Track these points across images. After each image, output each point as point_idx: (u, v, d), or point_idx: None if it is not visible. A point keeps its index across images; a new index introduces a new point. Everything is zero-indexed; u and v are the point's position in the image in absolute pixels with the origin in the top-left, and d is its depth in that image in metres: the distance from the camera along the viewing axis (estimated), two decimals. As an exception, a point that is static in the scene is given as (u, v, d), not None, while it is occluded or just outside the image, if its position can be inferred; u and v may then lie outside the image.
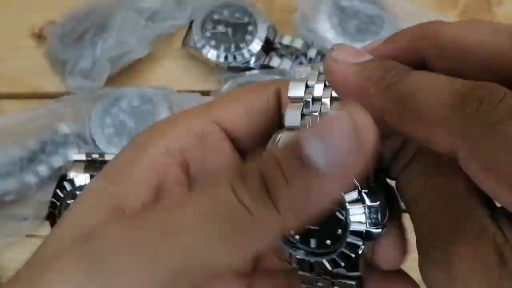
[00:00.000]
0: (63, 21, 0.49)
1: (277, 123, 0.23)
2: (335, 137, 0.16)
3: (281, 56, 0.49)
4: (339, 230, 0.21)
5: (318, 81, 0.21)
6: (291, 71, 0.48)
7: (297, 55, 0.49)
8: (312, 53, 0.49)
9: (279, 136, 0.21)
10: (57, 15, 0.50)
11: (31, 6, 0.53)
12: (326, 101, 0.21)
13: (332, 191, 0.17)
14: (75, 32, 0.48)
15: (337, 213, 0.21)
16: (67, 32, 0.48)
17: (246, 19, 0.49)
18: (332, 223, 0.21)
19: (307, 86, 0.21)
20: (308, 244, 0.21)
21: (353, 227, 0.20)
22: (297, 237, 0.21)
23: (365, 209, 0.20)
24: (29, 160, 0.45)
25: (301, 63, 0.49)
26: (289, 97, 0.21)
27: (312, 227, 0.21)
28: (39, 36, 0.51)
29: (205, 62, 0.49)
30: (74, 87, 0.48)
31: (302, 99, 0.21)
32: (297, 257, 0.21)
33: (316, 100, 0.21)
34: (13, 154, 0.44)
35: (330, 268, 0.21)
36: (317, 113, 0.21)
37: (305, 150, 0.16)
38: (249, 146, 0.23)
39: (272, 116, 0.23)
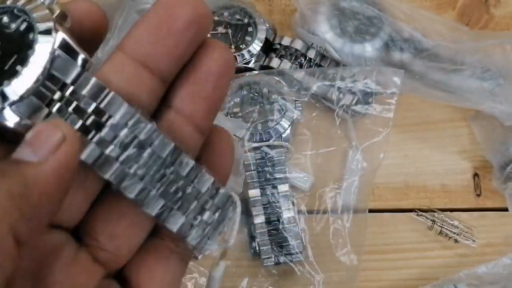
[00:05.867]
0: (64, 22, 0.49)
1: None
2: None
3: (281, 57, 0.49)
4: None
5: None
6: (290, 72, 0.48)
7: (296, 56, 0.49)
8: (311, 54, 0.49)
9: None
10: (58, 16, 0.51)
11: (32, 7, 0.53)
12: None
13: None
14: (76, 33, 0.48)
15: None
16: (68, 33, 0.49)
17: (246, 20, 0.50)
18: None
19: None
20: None
21: None
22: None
23: None
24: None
25: (300, 63, 0.49)
26: None
27: None
28: (41, 37, 0.52)
29: (206, 63, 0.50)
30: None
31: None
32: None
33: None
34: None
35: None
36: None
37: None
38: None
39: None
